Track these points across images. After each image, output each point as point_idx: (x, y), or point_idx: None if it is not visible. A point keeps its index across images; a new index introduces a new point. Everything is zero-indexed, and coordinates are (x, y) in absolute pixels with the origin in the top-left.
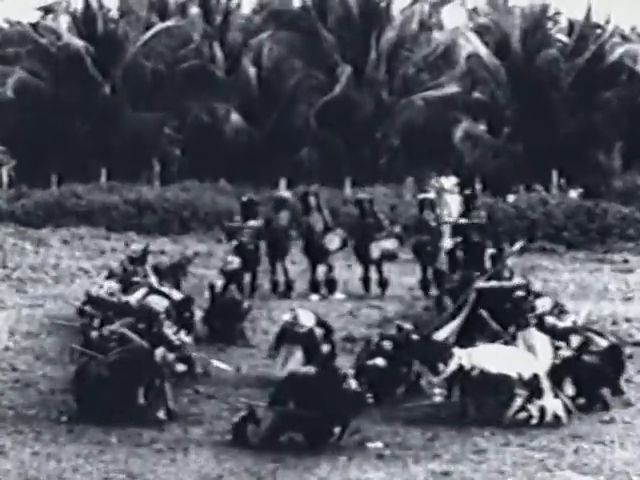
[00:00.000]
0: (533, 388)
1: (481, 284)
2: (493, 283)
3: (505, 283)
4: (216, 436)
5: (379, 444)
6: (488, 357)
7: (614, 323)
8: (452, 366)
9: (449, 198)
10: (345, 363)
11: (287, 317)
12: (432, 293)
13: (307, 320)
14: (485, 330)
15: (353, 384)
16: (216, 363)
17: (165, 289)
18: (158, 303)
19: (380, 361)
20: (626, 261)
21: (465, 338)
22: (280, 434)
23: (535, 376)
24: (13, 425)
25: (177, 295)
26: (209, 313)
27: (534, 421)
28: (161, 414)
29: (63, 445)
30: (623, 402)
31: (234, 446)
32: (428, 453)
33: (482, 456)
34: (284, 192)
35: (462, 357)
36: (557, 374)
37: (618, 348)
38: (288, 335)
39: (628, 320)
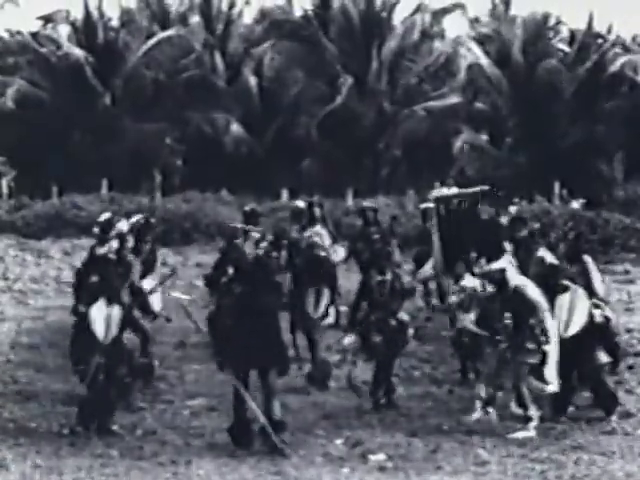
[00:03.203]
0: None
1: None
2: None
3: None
4: (218, 449)
5: (381, 456)
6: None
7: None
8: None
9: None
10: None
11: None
12: (434, 303)
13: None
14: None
15: None
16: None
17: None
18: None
19: None
20: (627, 272)
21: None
22: None
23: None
24: (14, 438)
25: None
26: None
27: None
28: None
29: (64, 458)
30: (624, 413)
31: (235, 458)
32: (430, 465)
33: (484, 468)
34: (299, 202)
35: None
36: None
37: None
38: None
39: (629, 331)
